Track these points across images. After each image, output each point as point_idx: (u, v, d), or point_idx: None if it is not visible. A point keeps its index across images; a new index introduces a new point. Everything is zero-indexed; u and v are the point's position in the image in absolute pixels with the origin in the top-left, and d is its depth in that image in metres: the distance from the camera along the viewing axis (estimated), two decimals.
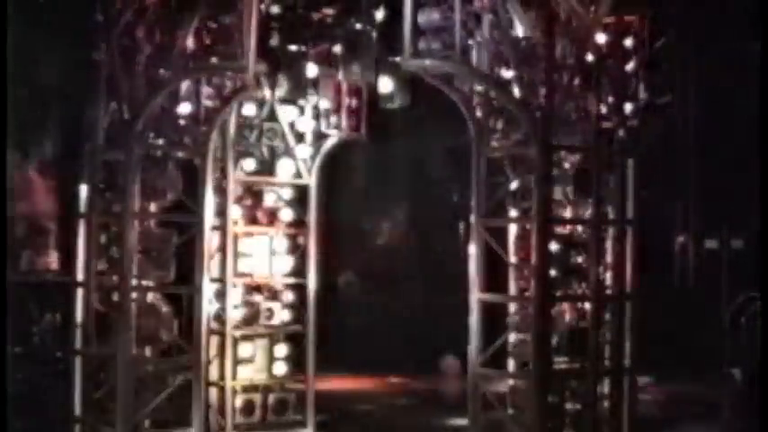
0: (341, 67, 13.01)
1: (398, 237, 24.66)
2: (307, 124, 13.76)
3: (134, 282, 11.87)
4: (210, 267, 12.39)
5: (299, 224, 13.93)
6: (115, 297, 11.94)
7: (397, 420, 16.81)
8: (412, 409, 17.99)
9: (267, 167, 13.77)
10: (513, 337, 12.02)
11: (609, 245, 12.00)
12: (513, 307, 12.12)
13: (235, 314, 13.37)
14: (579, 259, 11.93)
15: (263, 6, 12.13)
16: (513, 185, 12.00)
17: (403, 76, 12.39)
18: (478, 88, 11.94)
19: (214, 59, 12.00)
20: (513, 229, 12.19)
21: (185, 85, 12.14)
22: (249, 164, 13.63)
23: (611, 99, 11.88)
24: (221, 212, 13.19)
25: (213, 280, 12.69)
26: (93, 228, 12.16)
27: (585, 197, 11.90)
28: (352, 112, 13.78)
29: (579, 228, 12.03)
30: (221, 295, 13.23)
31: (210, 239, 12.37)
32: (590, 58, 11.70)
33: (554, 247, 11.61)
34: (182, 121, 12.21)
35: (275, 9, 12.66)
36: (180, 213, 12.22)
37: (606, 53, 11.83)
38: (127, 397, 11.68)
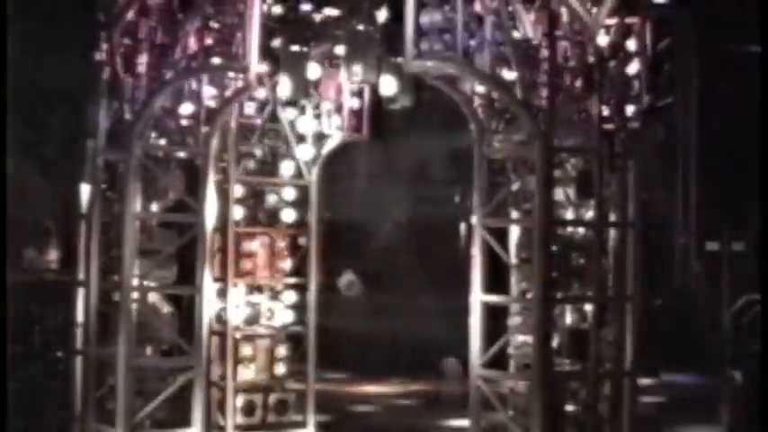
0: (343, 67, 13.00)
1: (400, 237, 24.67)
2: (308, 125, 13.76)
3: (135, 282, 11.86)
4: (212, 268, 12.37)
5: (300, 225, 13.93)
6: (116, 297, 11.94)
7: (397, 421, 16.83)
8: (413, 410, 18.01)
9: (269, 168, 13.78)
10: (514, 338, 12.01)
11: (610, 247, 11.99)
12: (514, 308, 12.11)
13: (236, 314, 13.37)
14: (581, 261, 11.92)
15: (265, 7, 12.12)
16: (515, 187, 11.99)
17: (405, 76, 12.38)
18: (480, 89, 11.93)
19: (216, 60, 11.98)
20: (514, 231, 12.19)
21: (187, 86, 12.13)
22: (250, 164, 13.64)
23: (612, 101, 11.87)
24: (222, 213, 13.18)
25: (214, 280, 12.68)
26: (95, 228, 12.17)
27: (587, 199, 11.89)
28: (354, 113, 13.80)
29: (581, 229, 12.02)
30: (222, 295, 13.23)
31: (212, 240, 12.36)
32: (592, 59, 11.69)
33: (555, 248, 11.60)
34: (183, 122, 12.20)
35: (277, 9, 12.66)
36: (181, 214, 12.21)
37: (608, 55, 11.82)
38: (127, 397, 11.67)
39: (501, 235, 12.06)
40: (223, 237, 13.32)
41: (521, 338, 11.93)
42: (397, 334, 21.73)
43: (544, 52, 11.49)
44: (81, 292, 12.32)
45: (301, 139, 13.84)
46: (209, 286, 12.11)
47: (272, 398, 13.64)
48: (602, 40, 11.77)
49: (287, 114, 13.67)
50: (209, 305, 12.16)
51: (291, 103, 13.41)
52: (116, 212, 12.02)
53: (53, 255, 18.88)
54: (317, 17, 12.99)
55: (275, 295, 13.75)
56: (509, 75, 11.56)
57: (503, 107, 11.86)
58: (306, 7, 12.89)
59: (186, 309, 12.36)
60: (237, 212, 13.46)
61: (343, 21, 12.93)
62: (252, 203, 13.68)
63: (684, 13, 20.56)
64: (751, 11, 14.56)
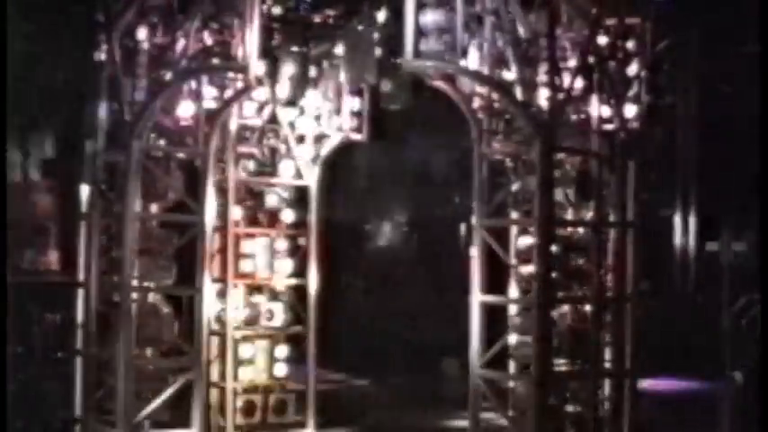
0: (342, 68, 13.00)
1: (399, 238, 24.68)
2: (308, 125, 13.76)
3: (135, 282, 11.86)
4: (211, 268, 12.37)
5: (299, 225, 13.93)
6: (116, 298, 11.93)
7: (397, 422, 16.80)
8: (412, 410, 17.97)
9: (268, 168, 13.78)
10: (513, 338, 12.01)
11: (610, 247, 11.99)
12: (513, 309, 12.12)
13: (235, 315, 13.37)
14: (580, 261, 11.93)
15: (264, 7, 12.12)
16: (515, 187, 12.00)
17: (404, 77, 12.38)
18: (480, 90, 11.93)
19: (215, 60, 11.99)
20: (514, 231, 12.19)
21: (186, 86, 12.13)
22: (250, 165, 13.64)
23: (612, 101, 11.87)
24: (222, 213, 13.19)
25: (214, 281, 12.68)
26: (95, 228, 12.17)
27: (587, 199, 11.89)
28: (354, 114, 13.80)
29: (580, 230, 12.02)
30: (222, 296, 13.23)
31: (211, 240, 12.35)
32: (592, 60, 11.69)
33: (555, 248, 11.60)
34: (183, 122, 12.20)
35: (277, 10, 12.66)
36: (181, 214, 12.21)
37: (608, 55, 11.82)
38: (127, 398, 11.67)
39: (501, 235, 12.06)
40: (223, 237, 13.32)
41: (520, 339, 11.93)
42: (397, 334, 21.71)
43: (544, 52, 11.50)
44: (81, 293, 12.32)
45: (301, 139, 13.84)
46: (208, 287, 12.11)
47: (272, 398, 13.64)
48: (602, 40, 11.77)
49: (286, 115, 13.66)
50: (208, 306, 12.16)
51: (291, 103, 13.41)
52: (116, 213, 12.01)
53: (53, 255, 18.86)
54: (317, 17, 12.99)
55: (275, 296, 13.74)
56: (509, 75, 11.57)
57: (502, 108, 11.87)
58: (305, 8, 12.88)
59: (186, 309, 12.36)
60: (237, 213, 13.46)
61: (342, 21, 12.93)
62: (251, 204, 13.68)
63: (684, 13, 20.55)
64: (751, 10, 14.55)
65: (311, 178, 13.92)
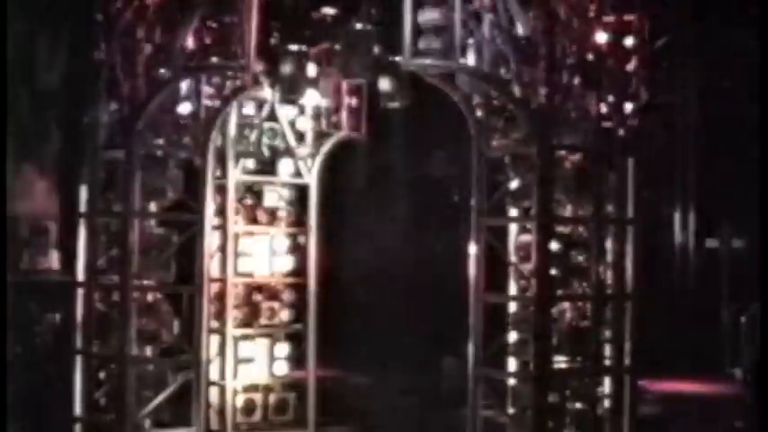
0: (341, 66, 13.01)
1: (398, 236, 24.65)
2: (307, 124, 13.76)
3: (135, 281, 11.86)
4: (211, 267, 12.37)
5: (299, 223, 13.94)
6: (116, 297, 11.94)
7: (397, 420, 16.80)
8: (412, 408, 17.97)
9: (267, 167, 13.79)
10: (513, 336, 12.02)
11: (609, 244, 12.00)
12: (513, 306, 12.12)
13: (235, 314, 13.37)
14: (580, 258, 11.93)
15: (262, 6, 12.10)
16: (514, 185, 11.99)
17: (403, 75, 12.38)
18: (478, 87, 11.92)
19: (214, 59, 11.98)
20: (513, 229, 12.19)
21: (185, 85, 12.13)
22: (249, 163, 13.65)
23: (611, 98, 11.87)
24: (221, 212, 13.20)
25: (213, 279, 12.68)
26: (94, 227, 12.17)
27: (586, 196, 11.89)
28: (353, 112, 13.79)
29: (580, 227, 12.02)
30: (222, 295, 13.23)
31: (211, 239, 12.36)
32: (590, 57, 11.69)
33: (554, 246, 11.60)
34: (182, 121, 12.21)
35: (275, 9, 12.65)
36: (180, 213, 12.21)
37: (606, 52, 11.82)
38: (127, 397, 11.68)
39: (500, 233, 12.06)
40: (222, 236, 13.32)
41: (520, 336, 11.93)
42: (396, 332, 21.69)
43: (542, 50, 11.49)
44: (81, 292, 12.32)
45: (300, 137, 13.85)
46: (208, 285, 12.11)
47: (272, 397, 13.64)
48: (601, 37, 11.77)
49: (285, 113, 13.66)
50: (208, 304, 12.16)
51: (290, 101, 13.41)
52: (115, 212, 12.02)
53: (53, 255, 18.86)
54: (315, 16, 12.99)
55: (274, 294, 13.75)
56: (507, 73, 11.57)
57: (501, 105, 11.87)
58: (304, 6, 12.88)
59: (186, 308, 12.37)
60: (236, 211, 13.46)
61: (341, 19, 12.93)
62: (251, 202, 13.68)
63: (682, 9, 20.54)
64: (750, 6, 14.56)
65: (310, 176, 13.92)
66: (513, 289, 12.14)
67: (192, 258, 12.05)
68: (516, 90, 11.50)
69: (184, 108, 12.10)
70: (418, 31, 11.26)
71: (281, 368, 13.69)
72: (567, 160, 12.03)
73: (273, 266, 13.71)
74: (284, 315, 13.77)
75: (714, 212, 23.13)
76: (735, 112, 20.63)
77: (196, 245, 11.98)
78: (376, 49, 12.56)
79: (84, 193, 12.32)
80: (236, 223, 13.48)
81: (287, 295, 13.82)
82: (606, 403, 11.91)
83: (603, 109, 11.83)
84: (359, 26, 12.70)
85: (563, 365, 11.85)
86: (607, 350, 11.94)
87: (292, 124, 13.76)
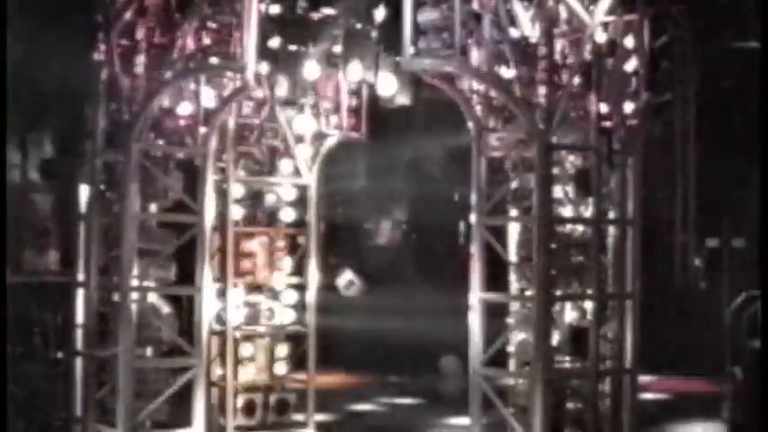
0: (341, 66, 13.00)
1: (398, 236, 24.68)
2: (307, 124, 13.74)
3: (135, 282, 11.86)
4: (211, 267, 12.37)
5: (299, 224, 13.93)
6: (116, 298, 11.93)
7: (397, 420, 16.83)
8: (413, 408, 18.00)
9: (267, 168, 13.77)
10: (513, 336, 12.01)
11: (610, 244, 11.99)
12: (513, 306, 12.12)
13: (235, 314, 13.36)
14: (580, 258, 11.92)
15: (262, 6, 12.11)
16: (514, 185, 11.99)
17: (403, 75, 12.38)
18: (478, 88, 11.93)
19: (214, 60, 11.98)
20: (513, 229, 12.19)
21: (185, 86, 12.13)
22: (249, 164, 13.63)
23: (611, 98, 11.87)
24: (221, 213, 13.19)
25: (214, 280, 12.67)
26: (94, 228, 12.17)
27: (586, 196, 11.89)
28: (352, 112, 13.79)
29: (580, 227, 12.02)
30: (222, 295, 13.23)
31: (211, 240, 12.36)
32: (590, 57, 11.69)
33: (555, 246, 11.60)
34: (182, 122, 12.20)
35: (275, 9, 12.65)
36: (180, 214, 12.20)
37: (606, 52, 11.82)
38: (128, 398, 11.67)
39: (500, 233, 12.06)
40: (222, 237, 13.31)
41: (520, 336, 11.94)
42: (397, 333, 21.71)
43: (542, 50, 11.50)
44: (81, 293, 12.32)
45: (300, 138, 13.83)
46: (208, 286, 12.12)
47: (273, 397, 13.63)
48: (600, 37, 11.77)
49: (285, 114, 13.65)
50: (208, 305, 12.16)
51: (290, 102, 13.40)
52: (115, 213, 12.02)
53: (53, 255, 18.86)
54: (315, 16, 12.99)
55: (275, 295, 13.74)
56: (507, 73, 11.57)
57: (501, 105, 11.86)
58: (303, 6, 12.87)
59: (186, 309, 12.36)
60: (236, 212, 13.45)
61: (340, 20, 12.93)
62: (251, 203, 13.67)
63: (682, 9, 20.55)
64: (749, 6, 14.56)
65: (310, 177, 13.92)
66: (513, 288, 12.14)
67: (192, 259, 12.04)
68: (516, 90, 11.50)
69: (184, 109, 12.09)
70: (418, 31, 11.26)
71: (282, 368, 13.67)
72: (567, 160, 12.03)
73: (273, 267, 13.69)
74: (284, 316, 13.76)
75: (714, 211, 23.14)
76: (735, 111, 20.64)
77: (196, 245, 11.97)
78: (376, 50, 12.55)
79: (84, 193, 12.31)
80: (236, 224, 13.47)
81: (287, 296, 13.80)
82: (606, 403, 11.91)
83: (603, 109, 11.82)
84: (359, 26, 12.71)
85: (563, 365, 11.85)
86: (607, 350, 11.94)
87: (292, 125, 13.74)
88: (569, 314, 12.00)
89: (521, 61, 11.47)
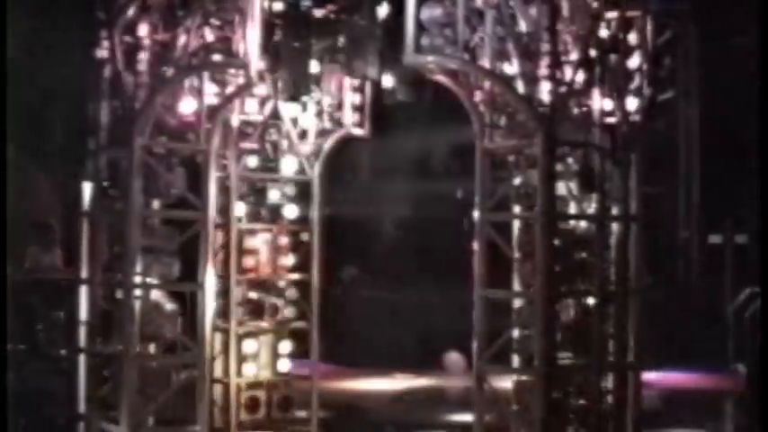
0: (344, 63, 13.00)
1: (402, 232, 24.68)
2: (310, 121, 13.75)
3: (138, 279, 11.86)
4: (214, 264, 12.37)
5: (302, 220, 13.92)
6: (119, 294, 11.94)
7: (401, 416, 16.82)
8: (416, 405, 18.00)
9: (270, 164, 13.76)
10: (517, 332, 12.01)
11: (613, 240, 11.99)
12: (517, 302, 12.11)
13: (238, 311, 13.36)
14: (583, 255, 11.92)
15: (265, 3, 12.11)
16: (517, 181, 11.99)
17: (406, 71, 12.37)
18: (482, 84, 11.92)
19: (217, 57, 11.98)
20: (517, 225, 12.18)
21: (188, 83, 12.12)
22: (252, 161, 13.62)
23: (614, 94, 11.86)
24: (224, 209, 13.19)
25: (217, 277, 12.67)
26: (97, 225, 12.17)
27: (589, 193, 11.88)
28: (356, 109, 13.79)
29: (583, 223, 12.02)
30: (225, 292, 13.23)
31: (214, 236, 12.36)
32: (593, 53, 11.69)
33: (558, 242, 11.60)
34: (184, 119, 12.20)
35: (278, 6, 12.65)
36: (183, 210, 12.20)
37: (610, 49, 11.81)
38: (131, 394, 11.67)
39: (503, 229, 12.06)
40: (225, 233, 13.31)
41: (524, 332, 11.93)
42: (400, 329, 21.72)
43: (545, 46, 11.49)
44: (84, 290, 12.33)
45: (303, 134, 13.83)
46: (211, 283, 12.11)
47: (276, 394, 13.63)
48: (604, 33, 11.77)
49: (288, 110, 13.64)
50: (211, 302, 12.16)
51: (293, 99, 13.40)
52: (118, 210, 12.02)
53: (56, 252, 18.88)
54: (318, 13, 12.98)
55: (278, 291, 13.74)
56: (510, 69, 11.57)
57: (504, 102, 11.86)
58: (306, 3, 12.87)
59: (189, 306, 12.36)
60: (239, 209, 13.45)
61: (343, 16, 12.92)
62: (254, 200, 13.67)
63: (685, 5, 20.54)
64: (752, 4, 14.55)
65: (313, 173, 13.92)
66: (516, 285, 12.14)
67: (195, 256, 12.04)
68: (519, 86, 11.50)
69: (187, 106, 12.09)
70: (421, 28, 11.25)
71: (285, 365, 13.68)
72: (570, 156, 12.03)
73: (277, 263, 13.69)
74: (287, 312, 13.76)
75: (717, 208, 23.13)
76: (737, 107, 20.62)
77: (199, 242, 11.97)
78: (379, 46, 12.55)
79: (87, 190, 12.32)
80: (239, 220, 13.47)
81: (290, 292, 13.80)
82: (610, 399, 11.91)
83: (607, 105, 11.82)
84: (362, 23, 12.71)
85: (567, 362, 11.85)
86: (611, 346, 11.94)
87: (295, 121, 13.74)
88: (572, 311, 11.99)
89: (524, 57, 11.47)
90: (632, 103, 12.01)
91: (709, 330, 20.12)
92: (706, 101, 23.51)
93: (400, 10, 11.49)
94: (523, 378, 11.91)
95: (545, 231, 11.35)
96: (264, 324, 13.62)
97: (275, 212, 13.80)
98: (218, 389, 13.24)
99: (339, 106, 13.73)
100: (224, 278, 13.23)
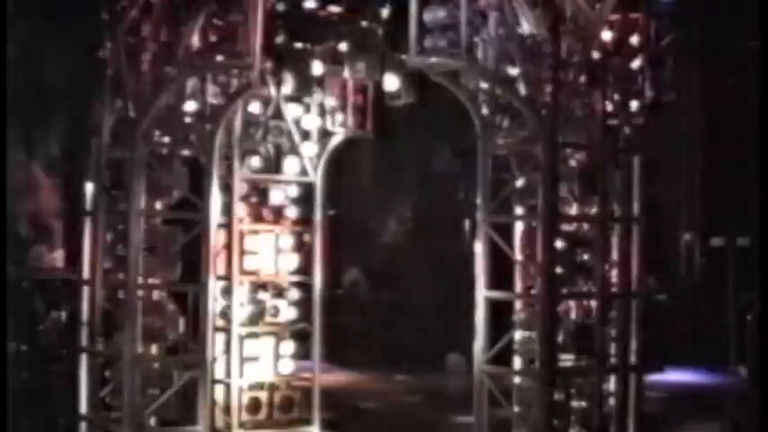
0: (347, 64, 13.00)
1: (404, 234, 24.69)
2: (312, 122, 13.75)
3: (140, 280, 11.87)
4: (216, 265, 12.38)
5: (304, 222, 13.93)
6: (121, 295, 11.95)
7: (402, 418, 16.83)
8: (418, 406, 18.00)
9: (273, 165, 13.76)
10: (518, 334, 12.02)
11: (615, 242, 11.99)
12: (518, 304, 12.12)
13: (240, 312, 13.36)
14: (585, 257, 11.92)
15: (268, 4, 12.12)
16: (519, 183, 11.99)
17: (408, 73, 12.38)
18: (484, 86, 11.93)
19: (220, 57, 11.99)
20: (519, 227, 12.19)
21: (191, 83, 12.14)
22: (255, 161, 13.62)
23: (616, 96, 11.87)
24: (227, 210, 13.19)
25: (219, 278, 12.68)
26: (100, 226, 12.18)
27: (592, 194, 11.89)
28: (358, 110, 13.78)
29: (585, 225, 12.02)
30: (227, 293, 13.23)
31: (216, 237, 12.36)
32: (596, 55, 11.69)
33: (560, 244, 11.60)
34: (187, 119, 12.22)
35: (281, 7, 12.65)
36: (186, 211, 12.21)
37: (612, 50, 11.82)
38: (133, 395, 11.68)
39: (505, 231, 12.06)
40: (228, 234, 13.31)
41: (525, 334, 11.94)
42: (402, 330, 21.73)
43: (548, 48, 11.49)
44: (86, 290, 12.34)
45: (306, 136, 13.83)
46: (213, 283, 12.12)
47: (278, 395, 13.63)
48: (606, 35, 11.77)
49: (291, 111, 13.65)
50: (213, 303, 12.16)
51: (295, 100, 13.41)
52: (121, 210, 12.03)
53: (58, 253, 18.90)
54: (321, 14, 12.99)
55: (280, 292, 13.74)
56: (513, 71, 11.57)
57: (507, 103, 11.86)
58: (309, 4, 12.87)
59: (191, 306, 12.37)
60: (242, 209, 13.45)
61: (346, 18, 12.93)
62: (256, 200, 13.67)
63: (687, 8, 20.54)
64: (753, 6, 14.55)
65: (316, 175, 13.92)
66: (518, 287, 12.14)
67: (197, 256, 12.05)
68: (522, 88, 11.51)
69: (190, 106, 12.10)
70: (424, 30, 11.26)
71: (287, 366, 13.68)
72: (572, 158, 12.03)
73: (279, 264, 13.69)
74: (289, 313, 13.76)
75: (719, 210, 23.13)
76: (739, 110, 20.63)
77: (201, 243, 11.98)
78: (382, 48, 12.56)
79: (89, 191, 12.33)
80: (242, 221, 13.47)
81: (292, 293, 13.80)
82: (611, 401, 11.91)
83: (609, 107, 11.83)
84: (365, 24, 12.72)
85: (568, 364, 11.85)
86: (612, 348, 11.94)
87: (298, 122, 13.75)
88: (574, 312, 12.00)
89: (526, 59, 11.47)
90: (634, 105, 12.02)
91: (711, 332, 20.13)
92: (708, 102, 23.52)
93: (403, 11, 11.49)
94: (525, 379, 11.91)
95: (547, 233, 11.35)
96: (266, 325, 13.62)
97: (278, 213, 13.80)
98: (219, 390, 13.23)
99: (342, 107, 13.73)
100: (226, 279, 13.23)
